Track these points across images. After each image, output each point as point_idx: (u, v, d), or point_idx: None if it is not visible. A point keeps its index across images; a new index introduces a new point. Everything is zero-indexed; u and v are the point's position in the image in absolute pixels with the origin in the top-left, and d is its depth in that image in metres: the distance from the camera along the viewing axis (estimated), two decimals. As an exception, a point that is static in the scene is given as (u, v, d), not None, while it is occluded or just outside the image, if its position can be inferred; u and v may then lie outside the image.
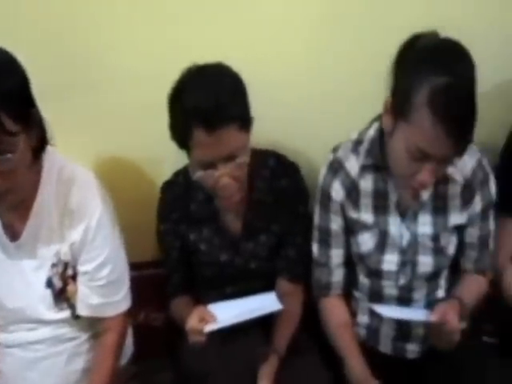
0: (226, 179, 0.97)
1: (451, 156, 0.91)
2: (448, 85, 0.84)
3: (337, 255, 1.10)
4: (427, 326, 1.01)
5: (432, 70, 0.86)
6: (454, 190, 1.03)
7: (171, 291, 1.18)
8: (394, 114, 0.92)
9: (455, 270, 1.13)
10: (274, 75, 1.21)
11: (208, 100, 0.92)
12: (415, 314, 1.04)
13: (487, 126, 1.32)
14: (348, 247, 1.10)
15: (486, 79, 1.28)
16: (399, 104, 0.91)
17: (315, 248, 1.12)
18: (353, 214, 1.06)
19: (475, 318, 1.20)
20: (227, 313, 0.98)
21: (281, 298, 1.06)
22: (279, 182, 1.11)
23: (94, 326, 1.09)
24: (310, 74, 1.23)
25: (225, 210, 1.11)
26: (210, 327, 0.96)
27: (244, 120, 0.98)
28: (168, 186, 1.15)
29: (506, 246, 1.18)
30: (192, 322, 0.98)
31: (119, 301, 1.07)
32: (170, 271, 1.18)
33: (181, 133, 0.97)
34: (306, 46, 1.22)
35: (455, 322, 0.94)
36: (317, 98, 1.25)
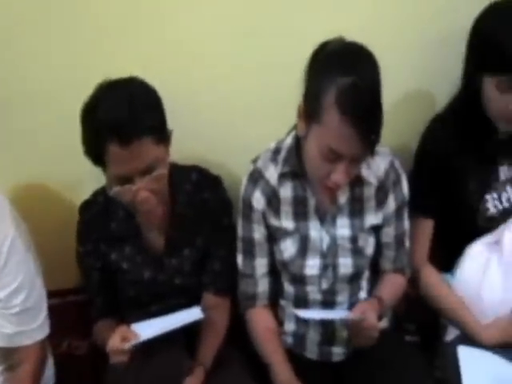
0: (144, 193, 0.96)
1: (361, 154, 0.95)
2: (353, 84, 0.89)
3: (261, 265, 1.11)
4: (347, 324, 1.03)
5: (338, 71, 0.91)
6: (369, 192, 1.08)
7: (95, 315, 1.14)
8: (306, 117, 0.96)
9: (376, 272, 1.18)
10: (195, 89, 1.23)
11: (121, 113, 0.92)
12: (335, 313, 1.07)
13: (400, 129, 1.42)
14: (272, 256, 1.11)
15: (397, 85, 1.38)
16: (310, 107, 0.95)
17: (240, 259, 1.12)
18: (274, 222, 1.08)
19: (398, 318, 1.27)
20: (150, 329, 0.96)
21: (207, 311, 1.04)
22: (202, 195, 1.11)
23: (8, 358, 1.02)
24: (231, 88, 1.25)
25: (147, 227, 1.09)
26: (131, 342, 0.93)
27: (159, 133, 0.97)
28: (86, 205, 1.12)
29: (421, 245, 1.24)
30: (113, 342, 0.95)
31: (35, 329, 1.01)
32: (93, 294, 1.14)
33: (95, 148, 0.95)
34: (228, 61, 1.24)
35: (373, 319, 0.98)
36: (239, 110, 1.27)
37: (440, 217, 1.25)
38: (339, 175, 0.94)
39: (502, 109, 1.12)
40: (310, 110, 0.94)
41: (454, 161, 1.20)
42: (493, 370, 1.05)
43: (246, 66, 1.25)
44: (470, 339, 1.13)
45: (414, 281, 1.22)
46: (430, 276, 1.22)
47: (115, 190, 0.97)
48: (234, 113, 1.27)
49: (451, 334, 1.18)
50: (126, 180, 0.96)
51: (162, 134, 0.98)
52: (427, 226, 1.24)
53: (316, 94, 0.92)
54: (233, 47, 1.23)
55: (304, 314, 1.02)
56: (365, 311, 0.99)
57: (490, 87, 1.12)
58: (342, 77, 0.89)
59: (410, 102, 1.40)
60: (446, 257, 1.25)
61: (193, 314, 0.99)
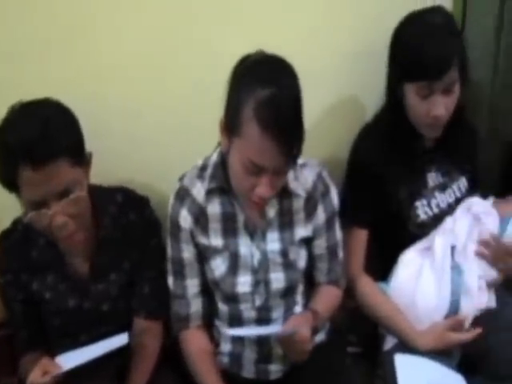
0: (61, 218, 0.92)
1: (284, 166, 0.94)
2: (272, 96, 0.88)
3: (193, 285, 1.08)
4: (279, 339, 1.01)
5: (257, 83, 0.90)
6: (298, 205, 1.08)
7: (20, 349, 1.08)
8: (227, 131, 0.95)
9: (311, 285, 1.17)
10: (120, 109, 1.20)
11: (32, 134, 0.88)
12: (267, 329, 1.05)
13: (331, 140, 1.44)
14: (204, 275, 1.08)
15: (326, 96, 1.42)
16: (230, 121, 0.94)
17: (170, 280, 1.09)
18: (203, 240, 1.06)
19: (340, 329, 1.26)
20: (74, 359, 0.91)
21: (138, 336, 1.01)
22: (127, 216, 1.08)
23: None
24: (157, 107, 1.23)
25: (69, 253, 1.05)
26: (52, 374, 0.88)
27: (76, 154, 0.94)
28: (5, 235, 1.07)
29: (356, 255, 1.25)
30: (33, 376, 0.89)
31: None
32: (17, 327, 1.08)
33: (6, 172, 0.91)
34: (152, 81, 1.22)
35: (305, 332, 0.96)
36: (167, 129, 1.25)
37: (374, 226, 1.26)
38: (263, 188, 0.93)
39: (423, 115, 1.16)
40: (231, 124, 0.93)
41: (383, 170, 1.22)
42: (428, 376, 1.06)
43: (170, 86, 1.23)
44: (407, 347, 1.13)
45: (350, 291, 1.22)
46: (366, 285, 1.22)
47: (30, 215, 0.92)
48: (163, 132, 1.25)
49: (389, 342, 1.18)
50: (41, 204, 0.91)
51: (78, 156, 0.95)
52: (362, 236, 1.25)
53: (235, 108, 0.91)
54: (155, 67, 1.21)
55: (234, 331, 0.99)
56: (297, 325, 0.97)
57: (411, 94, 1.15)
58: (261, 89, 0.88)
59: (340, 112, 1.43)
60: (383, 265, 1.26)
61: (118, 340, 0.94)
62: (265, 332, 1.03)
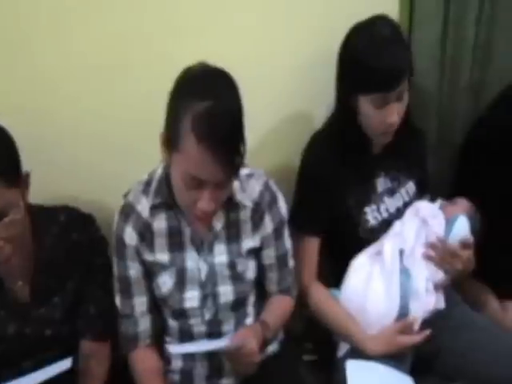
0: (-4, 242, 0.89)
1: (225, 179, 0.93)
2: (209, 109, 0.88)
3: (140, 303, 1.06)
4: (226, 353, 1.00)
5: (194, 96, 0.89)
6: (245, 215, 1.07)
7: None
8: (167, 145, 0.94)
9: (263, 295, 1.16)
10: (63, 127, 1.18)
11: None
12: (212, 344, 1.03)
13: (281, 149, 1.45)
14: (152, 292, 1.06)
15: (275, 106, 1.42)
16: (170, 135, 0.92)
17: (118, 299, 1.07)
18: (149, 257, 1.04)
19: (296, 338, 1.26)
20: None
21: (85, 359, 0.98)
22: (70, 236, 1.05)
23: None
24: (102, 123, 1.22)
25: (8, 277, 1.01)
26: None
27: (10, 175, 0.91)
28: None
29: (308, 263, 1.25)
30: None
31: None
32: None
33: None
34: (97, 96, 1.21)
35: (252, 345, 0.96)
36: (114, 146, 1.24)
37: (325, 233, 1.27)
38: (205, 203, 0.92)
39: (379, 123, 1.18)
40: (170, 138, 0.92)
41: (333, 177, 1.23)
42: (379, 381, 1.07)
43: (119, 100, 1.22)
44: (359, 352, 1.14)
45: (303, 299, 1.22)
46: (318, 293, 1.23)
47: None
48: (110, 147, 1.23)
49: (343, 349, 1.18)
50: None
51: (13, 177, 0.92)
52: (313, 244, 1.26)
53: (173, 122, 0.91)
54: (103, 81, 1.19)
55: (177, 349, 0.97)
56: (243, 338, 0.96)
57: (366, 105, 1.17)
58: (198, 102, 0.88)
59: (290, 121, 1.44)
60: (336, 272, 1.26)
61: (61, 365, 0.92)
62: (210, 347, 1.01)
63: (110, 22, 1.17)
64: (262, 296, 1.16)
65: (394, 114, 1.15)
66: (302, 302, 1.23)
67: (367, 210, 1.26)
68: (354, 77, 1.17)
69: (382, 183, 1.29)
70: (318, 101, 1.40)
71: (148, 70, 1.23)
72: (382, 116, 1.16)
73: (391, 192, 1.29)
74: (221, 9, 1.28)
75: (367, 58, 1.12)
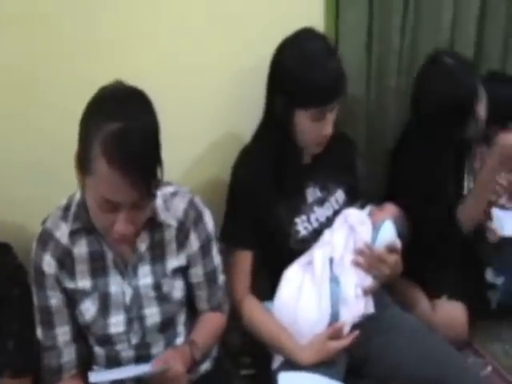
0: None
1: (140, 200, 0.91)
2: (119, 130, 0.86)
3: (63, 333, 1.03)
4: (151, 378, 0.98)
5: (104, 118, 0.88)
6: (170, 235, 1.06)
7: None
8: (80, 168, 0.91)
9: (195, 313, 1.15)
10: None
11: None
12: (135, 369, 1.00)
13: (212, 164, 1.43)
14: (75, 320, 1.03)
15: (204, 120, 1.40)
16: (82, 158, 0.90)
17: (39, 331, 1.03)
18: (70, 285, 1.01)
19: (232, 353, 1.26)
20: None
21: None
22: None
23: None
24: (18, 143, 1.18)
25: None
26: None
27: None
28: None
29: (241, 277, 1.25)
30: None
31: None
32: None
33: None
34: (12, 118, 1.16)
35: (178, 367, 0.95)
36: (28, 168, 1.20)
37: (257, 246, 1.27)
38: (121, 225, 0.90)
39: (315, 136, 1.21)
40: (82, 162, 0.90)
41: (263, 190, 1.24)
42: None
43: (34, 121, 1.18)
44: (292, 363, 1.14)
45: (236, 314, 1.22)
46: (251, 307, 1.23)
47: None
48: (27, 171, 1.19)
49: (277, 361, 1.19)
50: None
51: None
52: (246, 258, 1.26)
53: (85, 144, 0.89)
54: (12, 104, 1.14)
55: (97, 377, 0.94)
56: (167, 360, 0.95)
57: (303, 119, 1.18)
58: (108, 124, 0.86)
59: (219, 136, 1.44)
60: (270, 284, 1.26)
61: None
62: (133, 373, 0.99)
63: (20, 39, 1.12)
64: (194, 314, 1.15)
65: (330, 125, 1.18)
66: (238, 316, 1.23)
67: (297, 220, 1.27)
68: (291, 93, 1.17)
69: (311, 193, 1.31)
70: (247, 115, 1.38)
71: (63, 90, 1.20)
72: (318, 128, 1.18)
73: (321, 201, 1.31)
74: (147, 24, 1.26)
75: (303, 73, 1.14)
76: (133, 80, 0.95)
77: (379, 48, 1.60)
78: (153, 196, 0.94)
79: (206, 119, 1.40)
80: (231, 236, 1.25)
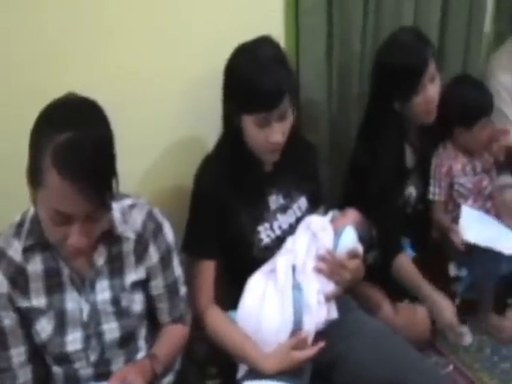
0: None
1: (94, 212, 0.89)
2: (69, 140, 0.84)
3: (18, 354, 1.00)
4: None
5: (54, 128, 0.86)
6: (128, 248, 1.05)
7: None
8: (31, 181, 0.89)
9: (157, 327, 1.14)
10: None
11: None
12: None
13: (174, 173, 1.42)
14: (31, 340, 1.00)
15: (167, 129, 1.39)
16: (32, 170, 0.88)
17: (-7, 353, 1.01)
18: (24, 304, 0.98)
19: (198, 363, 1.25)
20: None
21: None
22: None
23: None
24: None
25: None
26: None
27: None
28: None
29: (204, 287, 1.24)
30: None
31: None
32: None
33: None
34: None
35: (137, 383, 0.93)
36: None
37: (220, 255, 1.27)
38: (75, 238, 0.88)
39: (263, 142, 1.20)
40: (33, 174, 0.88)
41: (225, 199, 1.24)
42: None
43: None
44: (256, 372, 1.14)
45: (199, 324, 1.21)
46: (215, 317, 1.22)
47: None
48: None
49: (242, 370, 1.19)
50: None
51: None
52: (209, 268, 1.25)
53: (35, 156, 0.87)
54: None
55: None
56: (124, 377, 0.93)
57: (249, 125, 1.19)
58: (58, 134, 0.84)
59: (181, 145, 1.43)
60: (235, 293, 1.25)
61: None
62: None
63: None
64: (155, 327, 1.14)
65: (276, 133, 1.18)
66: (202, 327, 1.23)
67: (260, 228, 1.27)
68: (237, 97, 1.19)
69: (274, 201, 1.31)
70: (209, 122, 1.38)
71: (13, 103, 1.16)
72: (265, 135, 1.18)
73: (284, 209, 1.32)
74: (99, 34, 1.24)
75: (248, 78, 1.15)
76: (86, 91, 0.93)
77: (340, 52, 1.62)
78: (107, 207, 0.93)
79: (166, 128, 1.39)
80: (194, 246, 1.25)
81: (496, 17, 2.08)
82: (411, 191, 1.57)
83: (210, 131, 1.39)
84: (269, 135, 1.17)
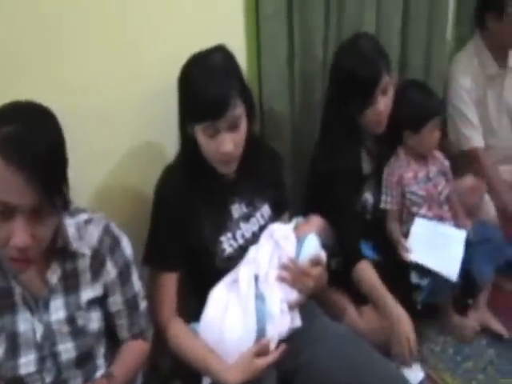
0: None
1: (40, 206, 0.86)
2: (18, 130, 0.84)
3: None
4: None
5: (1, 122, 0.84)
6: (84, 264, 1.02)
7: None
8: None
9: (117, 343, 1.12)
10: None
11: None
12: None
13: (134, 183, 1.39)
14: None
15: (127, 139, 1.36)
16: None
17: None
18: None
19: (164, 376, 1.23)
20: None
21: None
22: None
23: None
24: None
25: None
26: None
27: None
28: None
29: (166, 300, 1.22)
30: None
31: None
32: None
33: None
34: None
35: None
36: None
37: (183, 266, 1.25)
38: (18, 235, 0.84)
39: (214, 152, 1.19)
40: None
41: (187, 209, 1.22)
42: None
43: None
44: (219, 384, 1.15)
45: (161, 337, 1.20)
46: (177, 330, 1.21)
47: None
48: None
49: (205, 382, 1.17)
50: None
51: None
52: (171, 280, 1.23)
53: None
54: None
55: None
56: None
57: (200, 135, 1.18)
58: (6, 126, 0.84)
59: (142, 155, 1.40)
60: (199, 305, 1.23)
61: None
62: None
63: None
64: (115, 344, 1.11)
65: (226, 142, 1.16)
66: (165, 340, 1.21)
67: (223, 238, 1.26)
68: (187, 106, 1.19)
69: (237, 209, 1.30)
70: (171, 131, 1.32)
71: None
72: (216, 145, 1.17)
73: (247, 217, 1.31)
74: (57, 44, 1.20)
75: (194, 87, 1.15)
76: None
77: (302, 58, 1.62)
78: (55, 210, 0.89)
79: (125, 138, 1.36)
80: (155, 258, 1.23)
81: (457, 21, 2.13)
82: (367, 197, 1.58)
83: (172, 141, 1.35)
84: (219, 145, 1.15)
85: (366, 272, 1.44)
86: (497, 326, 1.67)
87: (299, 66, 1.60)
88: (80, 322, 1.01)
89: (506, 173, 2.00)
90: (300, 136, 1.66)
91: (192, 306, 1.26)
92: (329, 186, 1.48)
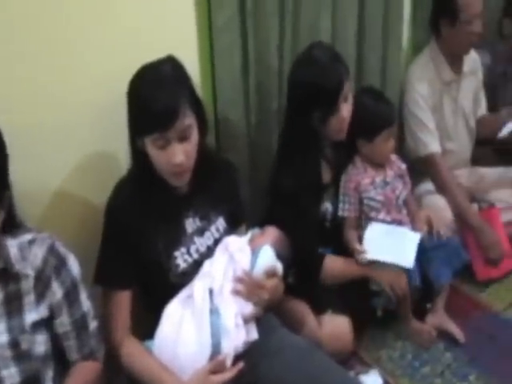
0: None
1: None
2: None
3: None
4: None
5: None
6: (27, 286, 1.00)
7: None
8: None
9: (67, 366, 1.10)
10: None
11: None
12: None
13: (86, 198, 1.36)
14: None
15: (81, 150, 1.35)
16: None
17: None
18: None
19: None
20: None
21: None
22: None
23: None
24: None
25: None
26: None
27: None
28: None
29: (119, 319, 1.20)
30: None
31: None
32: None
33: None
34: None
35: None
36: None
37: (136, 283, 1.23)
38: None
39: (165, 164, 1.17)
40: None
41: (139, 224, 1.20)
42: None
43: None
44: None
45: (115, 356, 1.18)
46: (130, 348, 1.19)
47: None
48: None
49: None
50: None
51: None
52: (123, 298, 1.21)
53: None
54: None
55: None
56: None
57: (149, 147, 1.16)
58: None
59: (94, 169, 1.38)
60: (154, 322, 1.21)
61: None
62: None
63: None
64: (65, 366, 1.08)
65: (177, 154, 1.14)
66: (119, 358, 1.18)
67: (177, 253, 1.24)
68: (136, 118, 1.17)
69: (191, 224, 1.28)
70: (125, 145, 1.28)
71: None
72: (166, 157, 1.15)
73: (201, 231, 1.29)
74: (6, 59, 1.17)
75: (143, 98, 1.13)
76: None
77: (257, 68, 1.61)
78: None
79: (76, 153, 1.34)
80: (106, 277, 1.21)
81: (414, 27, 2.16)
82: (327, 206, 1.59)
83: (127, 154, 1.30)
84: (170, 157, 1.13)
85: (333, 261, 1.49)
86: (454, 329, 1.69)
87: (254, 76, 1.60)
88: (24, 345, 0.98)
89: (461, 177, 2.06)
90: (256, 147, 1.65)
91: (147, 323, 1.23)
92: (294, 201, 1.47)
